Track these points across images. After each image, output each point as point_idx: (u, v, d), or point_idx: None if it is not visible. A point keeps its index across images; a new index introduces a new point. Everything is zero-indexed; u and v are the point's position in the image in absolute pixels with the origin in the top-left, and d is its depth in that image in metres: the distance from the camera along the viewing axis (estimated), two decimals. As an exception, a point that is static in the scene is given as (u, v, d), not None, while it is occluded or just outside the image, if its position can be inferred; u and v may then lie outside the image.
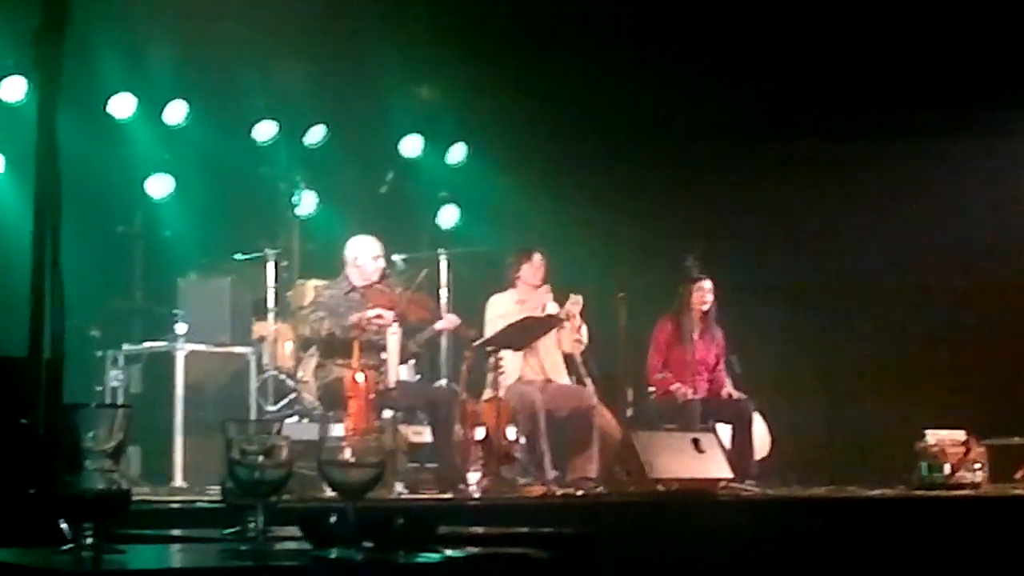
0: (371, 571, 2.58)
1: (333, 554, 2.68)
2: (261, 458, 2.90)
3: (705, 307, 9.54)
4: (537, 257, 9.19)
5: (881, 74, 10.48)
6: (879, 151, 10.66)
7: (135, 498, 7.41)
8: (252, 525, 2.96)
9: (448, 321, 9.11)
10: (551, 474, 8.61)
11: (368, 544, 2.73)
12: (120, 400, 9.19)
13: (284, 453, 2.94)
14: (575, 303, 9.00)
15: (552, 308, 9.05)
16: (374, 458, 2.89)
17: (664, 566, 6.36)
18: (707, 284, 9.49)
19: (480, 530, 3.74)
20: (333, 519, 2.79)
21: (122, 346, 9.38)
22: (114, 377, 9.23)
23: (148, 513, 5.85)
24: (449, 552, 2.74)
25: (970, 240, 10.72)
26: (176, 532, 3.52)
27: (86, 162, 9.47)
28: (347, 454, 2.90)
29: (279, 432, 3.02)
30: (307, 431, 8.69)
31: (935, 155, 10.64)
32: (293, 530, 2.95)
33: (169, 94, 10.44)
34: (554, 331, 9.06)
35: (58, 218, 3.56)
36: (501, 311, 9.04)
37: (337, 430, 8.27)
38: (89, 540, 2.64)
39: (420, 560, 2.65)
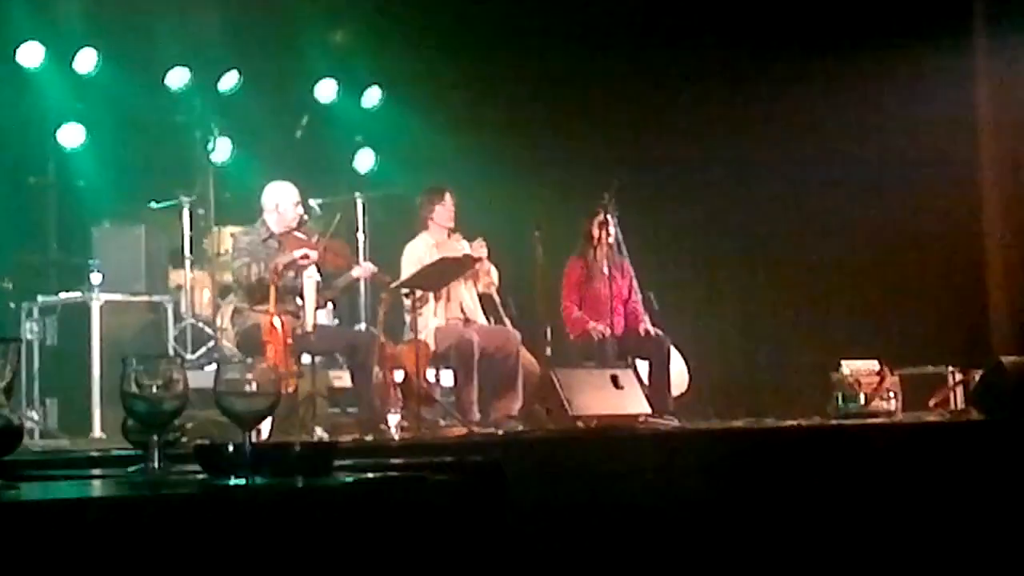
0: (267, 496, 2.57)
1: (229, 481, 2.68)
2: (156, 389, 2.89)
3: (610, 241, 9.52)
4: (448, 196, 9.15)
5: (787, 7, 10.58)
6: (786, 83, 10.68)
7: (52, 448, 7.36)
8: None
9: (364, 269, 9.08)
10: (476, 415, 8.62)
11: (265, 474, 2.74)
12: (36, 353, 9.13)
13: (180, 385, 2.93)
14: (480, 245, 8.99)
15: (465, 250, 9.04)
16: (271, 388, 2.90)
17: (584, 500, 6.39)
18: (609, 218, 9.47)
19: (388, 461, 3.74)
20: (230, 449, 2.79)
21: (37, 298, 9.30)
22: (29, 329, 9.15)
23: (62, 462, 5.82)
24: (346, 477, 2.75)
25: (881, 170, 10.80)
26: (77, 472, 3.49)
27: (-3, 112, 9.40)
28: (249, 386, 2.90)
29: (176, 365, 3.00)
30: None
31: (840, 84, 10.70)
32: (194, 467, 2.95)
33: (79, 42, 10.32)
34: (468, 274, 9.06)
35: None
36: (418, 254, 9.01)
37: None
38: (-19, 476, 2.62)
39: (316, 484, 2.65)
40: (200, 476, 2.83)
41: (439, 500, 2.72)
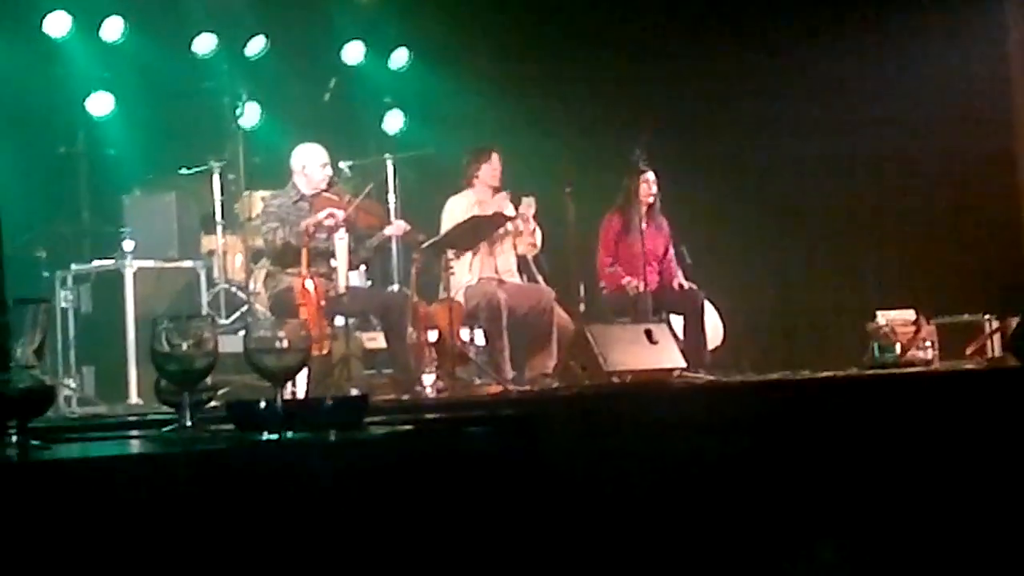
0: (299, 449, 2.57)
1: (261, 436, 2.68)
2: (187, 347, 2.89)
3: (651, 199, 9.52)
4: (495, 156, 9.13)
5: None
6: (819, 35, 10.60)
7: (89, 415, 7.39)
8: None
9: (397, 227, 9.06)
10: (509, 373, 8.62)
11: (298, 429, 2.74)
12: (71, 321, 9.17)
13: (211, 344, 2.93)
14: (528, 205, 8.99)
15: (510, 211, 9.02)
16: (301, 344, 2.89)
17: (619, 455, 6.39)
18: (650, 176, 9.46)
19: (421, 417, 3.74)
20: (262, 405, 2.79)
21: (70, 266, 9.34)
22: (64, 298, 9.19)
23: (98, 426, 5.84)
24: (378, 430, 2.75)
25: (915, 120, 10.70)
26: (111, 434, 3.50)
27: (25, 83, 9.43)
28: (280, 343, 2.90)
29: (206, 323, 3.00)
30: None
31: (874, 36, 10.62)
32: (227, 426, 2.95)
33: (105, 11, 10.31)
34: (509, 234, 9.05)
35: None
36: (459, 212, 9.00)
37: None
38: (14, 438, 2.62)
39: (349, 438, 2.65)
40: (233, 433, 2.84)
41: (471, 450, 2.71)
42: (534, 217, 9.02)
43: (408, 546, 2.48)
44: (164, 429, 3.14)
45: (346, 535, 2.41)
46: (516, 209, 9.01)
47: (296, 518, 2.37)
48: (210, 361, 2.91)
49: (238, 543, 2.30)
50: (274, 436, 2.64)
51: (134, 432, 3.57)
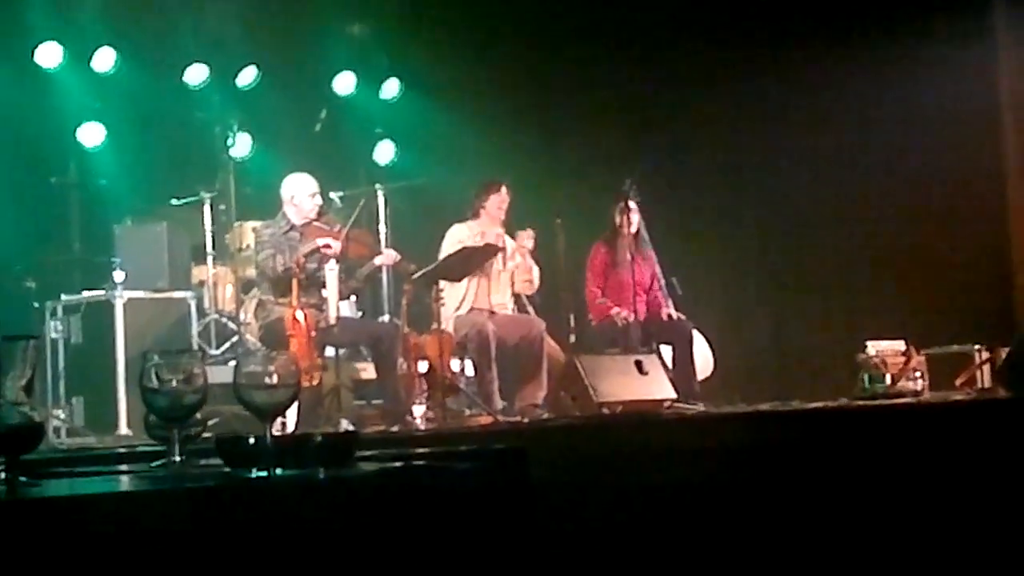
0: (288, 488, 2.57)
1: (251, 473, 2.68)
2: (176, 383, 2.89)
3: (634, 228, 9.53)
4: (504, 189, 9.16)
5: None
6: (807, 66, 10.63)
7: (78, 446, 7.38)
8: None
9: (387, 256, 9.07)
10: (499, 404, 8.62)
11: (287, 466, 2.73)
12: (61, 351, 9.16)
13: (200, 379, 2.92)
14: (528, 237, 9.02)
15: (500, 240, 9.05)
16: (291, 379, 2.89)
17: (610, 486, 6.38)
18: (632, 205, 9.47)
19: (411, 451, 3.73)
20: (251, 442, 2.78)
21: (60, 296, 9.32)
22: (54, 328, 9.16)
23: (88, 459, 5.83)
24: (368, 467, 2.74)
25: (904, 150, 10.73)
26: (100, 468, 3.49)
27: (16, 114, 9.45)
28: (269, 378, 2.89)
29: (196, 358, 3.00)
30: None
31: (862, 66, 10.65)
32: (216, 461, 2.94)
33: (97, 41, 10.34)
34: (509, 270, 9.07)
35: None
36: (458, 241, 9.01)
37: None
38: (2, 475, 2.62)
39: (338, 475, 2.65)
40: (222, 469, 2.83)
41: (463, 487, 2.70)
42: (531, 253, 9.05)
43: (397, 584, 2.48)
44: (153, 464, 3.14)
45: (336, 574, 2.40)
46: (513, 242, 9.05)
47: (285, 557, 2.36)
48: (199, 397, 2.91)
49: (227, 581, 2.30)
50: (263, 473, 2.63)
51: (123, 467, 3.56)
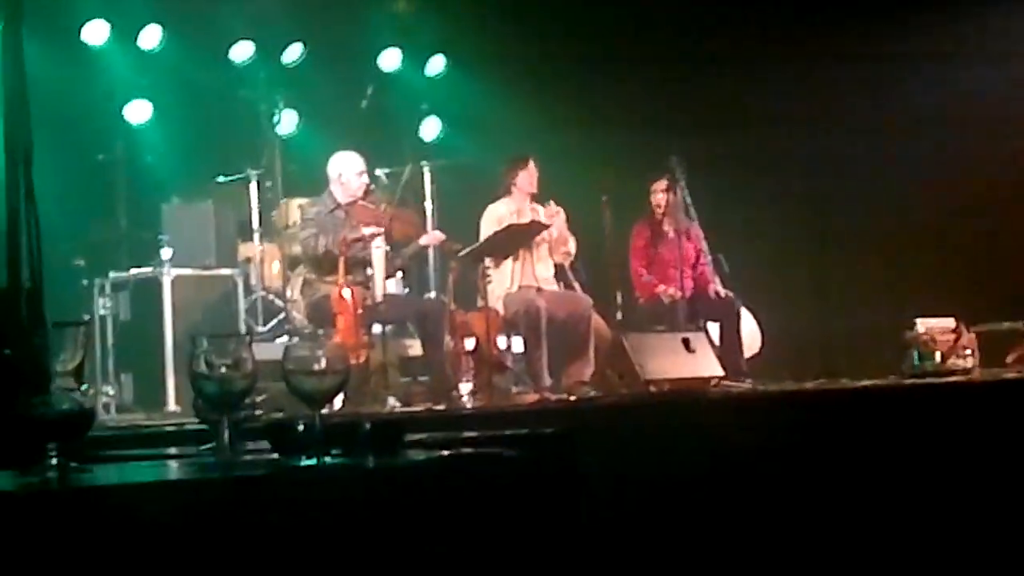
0: (337, 476, 2.57)
1: (300, 461, 2.67)
2: (225, 369, 2.88)
3: (680, 205, 9.48)
4: (531, 164, 9.15)
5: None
6: (855, 44, 10.55)
7: (127, 423, 7.43)
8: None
9: (432, 237, 9.08)
10: (547, 380, 8.61)
11: (335, 452, 2.73)
12: (109, 328, 9.20)
13: (249, 364, 2.92)
14: (553, 211, 9.00)
15: (539, 216, 9.03)
16: (339, 365, 2.87)
17: (657, 464, 6.36)
18: (678, 182, 9.41)
19: (459, 435, 3.72)
20: (300, 428, 2.78)
21: (108, 274, 9.36)
22: (102, 305, 9.21)
23: (137, 438, 5.87)
24: (417, 455, 2.73)
25: (953, 127, 10.64)
26: (150, 452, 3.50)
27: (63, 91, 9.43)
28: (319, 362, 2.88)
29: (248, 344, 2.99)
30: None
31: (909, 45, 10.56)
32: (265, 445, 2.94)
33: (143, 19, 10.32)
34: (544, 242, 9.05)
35: (30, 149, 3.48)
36: (497, 220, 9.00)
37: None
38: (54, 460, 2.63)
39: (387, 464, 2.64)
40: (270, 455, 2.83)
41: (511, 477, 2.69)
42: (567, 225, 9.02)
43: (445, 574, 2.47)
44: (201, 448, 3.14)
45: (384, 563, 2.40)
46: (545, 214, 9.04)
47: (335, 546, 2.36)
48: (248, 383, 2.90)
49: (276, 571, 2.30)
50: (312, 461, 2.63)
51: (172, 449, 3.57)
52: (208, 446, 3.08)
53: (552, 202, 9.04)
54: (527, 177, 9.13)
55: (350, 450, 2.74)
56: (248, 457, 2.89)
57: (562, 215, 9.01)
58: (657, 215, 9.53)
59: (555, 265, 9.17)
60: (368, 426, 2.82)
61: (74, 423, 2.70)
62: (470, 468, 2.71)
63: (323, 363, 2.87)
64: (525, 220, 8.98)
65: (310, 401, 2.83)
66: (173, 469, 2.94)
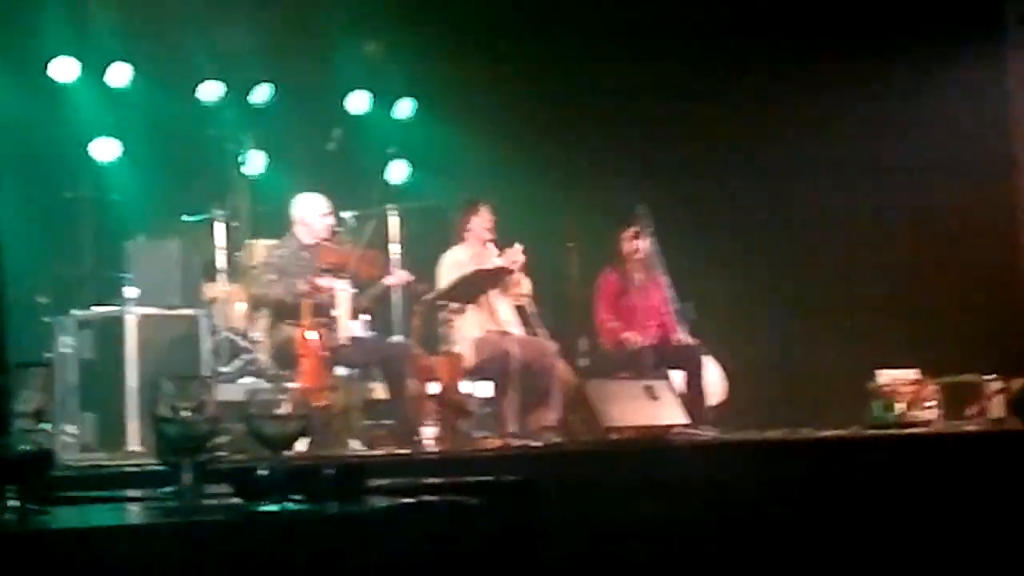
0: (298, 523, 2.55)
1: (262, 507, 2.66)
2: (188, 412, 2.87)
3: (641, 255, 9.52)
4: (484, 209, 9.16)
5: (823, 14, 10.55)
6: (817, 89, 10.61)
7: (87, 463, 7.36)
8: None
9: (399, 277, 9.07)
10: (513, 426, 8.60)
11: (297, 497, 2.72)
12: (71, 367, 9.14)
13: (212, 408, 2.91)
14: (516, 252, 8.99)
15: (498, 262, 9.03)
16: (301, 410, 2.87)
17: (619, 512, 6.36)
18: (643, 230, 9.45)
19: (422, 481, 3.71)
20: (262, 472, 2.77)
21: (72, 312, 9.29)
22: (64, 343, 9.14)
23: (100, 477, 5.83)
24: (378, 502, 2.73)
25: (917, 176, 10.69)
26: (110, 494, 3.48)
27: (30, 127, 9.43)
28: (281, 406, 2.87)
29: (207, 387, 2.99)
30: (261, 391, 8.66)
31: (873, 88, 10.63)
32: (227, 488, 2.93)
33: (112, 56, 10.31)
34: (500, 283, 9.05)
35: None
36: (454, 266, 9.01)
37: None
38: (14, 502, 2.61)
39: (349, 511, 2.63)
40: (232, 500, 2.81)
41: (472, 526, 2.69)
42: (523, 267, 9.02)
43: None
44: (163, 490, 3.12)
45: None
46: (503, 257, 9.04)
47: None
48: (211, 428, 2.89)
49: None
50: (274, 508, 2.62)
51: (133, 492, 3.54)
52: (170, 489, 3.06)
53: (517, 244, 9.03)
54: (480, 222, 9.14)
55: (312, 495, 2.73)
56: (210, 501, 2.87)
57: (519, 252, 9.00)
58: (625, 263, 9.56)
59: (514, 307, 9.18)
60: (330, 472, 2.81)
61: (34, 465, 2.69)
62: (431, 517, 2.70)
63: (285, 407, 2.87)
64: (486, 265, 8.97)
65: (272, 445, 2.83)
66: (133, 513, 2.92)
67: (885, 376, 9.20)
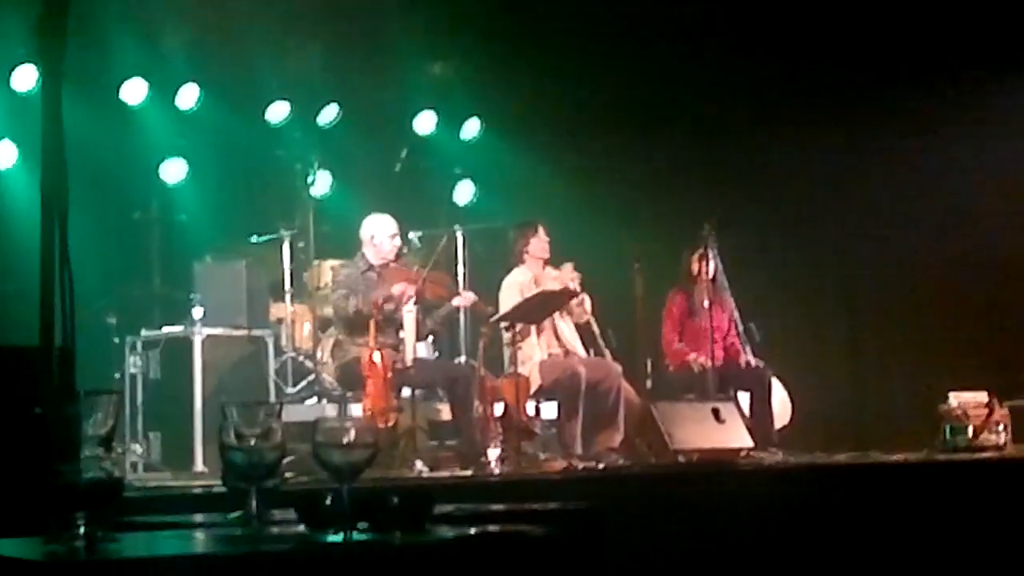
0: (364, 553, 2.55)
1: (327, 537, 2.66)
2: (255, 440, 2.87)
3: (712, 274, 9.48)
4: (541, 229, 9.17)
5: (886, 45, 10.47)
6: (887, 118, 10.55)
7: (153, 483, 7.44)
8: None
9: (465, 298, 9.07)
10: (579, 448, 8.57)
11: (363, 525, 2.71)
12: (139, 386, 9.22)
13: (279, 435, 2.91)
14: (571, 272, 8.98)
15: (555, 285, 9.02)
16: (369, 438, 2.86)
17: (685, 537, 6.33)
18: (711, 251, 9.42)
19: (488, 507, 3.71)
20: (328, 501, 2.76)
21: (140, 332, 9.39)
22: (132, 364, 9.24)
23: (166, 499, 5.87)
24: (443, 532, 2.72)
25: (987, 200, 10.61)
26: (177, 519, 3.49)
27: (100, 149, 9.50)
28: (348, 435, 2.86)
29: (277, 415, 2.98)
30: (326, 413, 8.71)
31: (938, 117, 10.55)
32: (292, 514, 2.92)
33: (181, 78, 10.42)
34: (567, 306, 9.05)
35: (65, 208, 3.48)
36: (516, 289, 9.00)
37: (356, 410, 8.30)
38: (82, 529, 2.62)
39: (414, 541, 2.62)
40: (297, 528, 2.81)
41: (538, 557, 2.67)
42: (583, 286, 9.01)
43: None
44: (230, 516, 3.12)
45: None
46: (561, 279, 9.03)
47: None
48: (278, 455, 2.89)
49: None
50: (339, 538, 2.61)
51: (199, 517, 3.55)
52: (235, 515, 3.06)
53: (570, 265, 9.03)
54: (538, 244, 9.15)
55: (377, 523, 2.72)
56: (275, 529, 2.87)
57: (578, 275, 9.00)
58: (692, 283, 9.52)
59: (576, 326, 9.16)
60: (396, 500, 2.80)
61: (102, 493, 2.69)
62: (497, 547, 2.69)
63: (352, 436, 2.85)
64: (547, 287, 8.97)
65: (339, 475, 2.81)
66: (199, 541, 2.92)
67: (955, 399, 9.10)
